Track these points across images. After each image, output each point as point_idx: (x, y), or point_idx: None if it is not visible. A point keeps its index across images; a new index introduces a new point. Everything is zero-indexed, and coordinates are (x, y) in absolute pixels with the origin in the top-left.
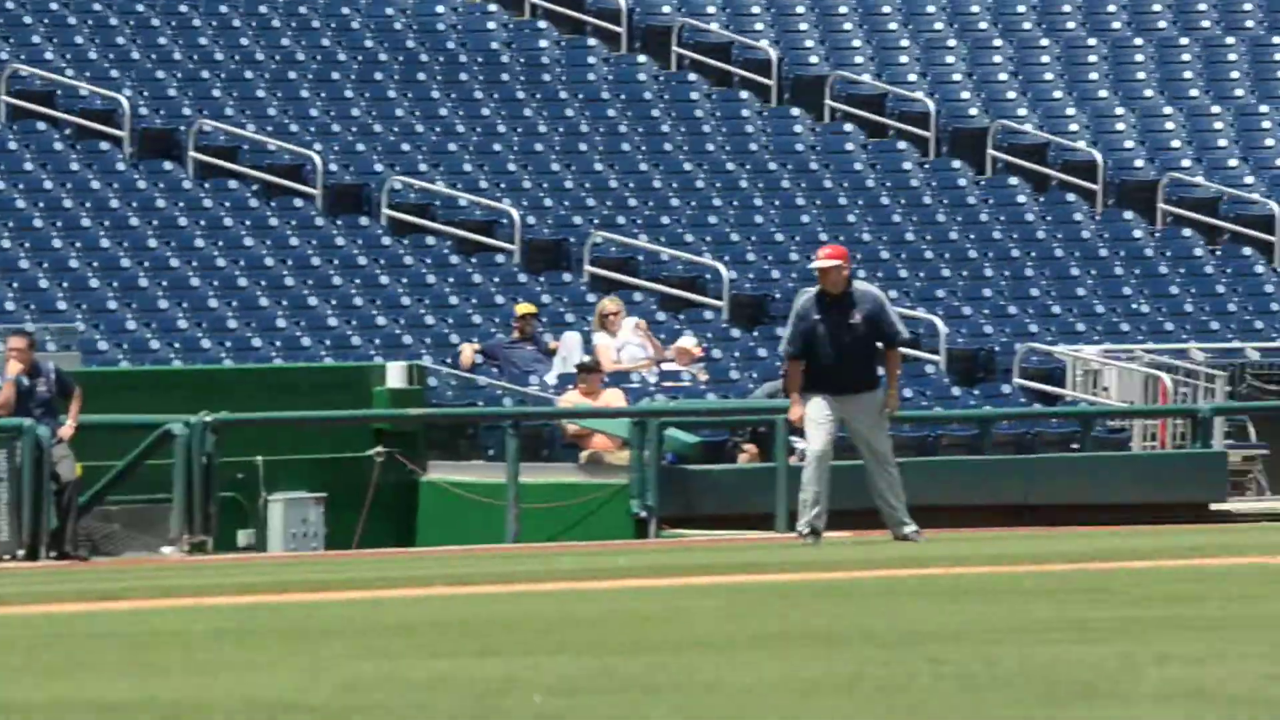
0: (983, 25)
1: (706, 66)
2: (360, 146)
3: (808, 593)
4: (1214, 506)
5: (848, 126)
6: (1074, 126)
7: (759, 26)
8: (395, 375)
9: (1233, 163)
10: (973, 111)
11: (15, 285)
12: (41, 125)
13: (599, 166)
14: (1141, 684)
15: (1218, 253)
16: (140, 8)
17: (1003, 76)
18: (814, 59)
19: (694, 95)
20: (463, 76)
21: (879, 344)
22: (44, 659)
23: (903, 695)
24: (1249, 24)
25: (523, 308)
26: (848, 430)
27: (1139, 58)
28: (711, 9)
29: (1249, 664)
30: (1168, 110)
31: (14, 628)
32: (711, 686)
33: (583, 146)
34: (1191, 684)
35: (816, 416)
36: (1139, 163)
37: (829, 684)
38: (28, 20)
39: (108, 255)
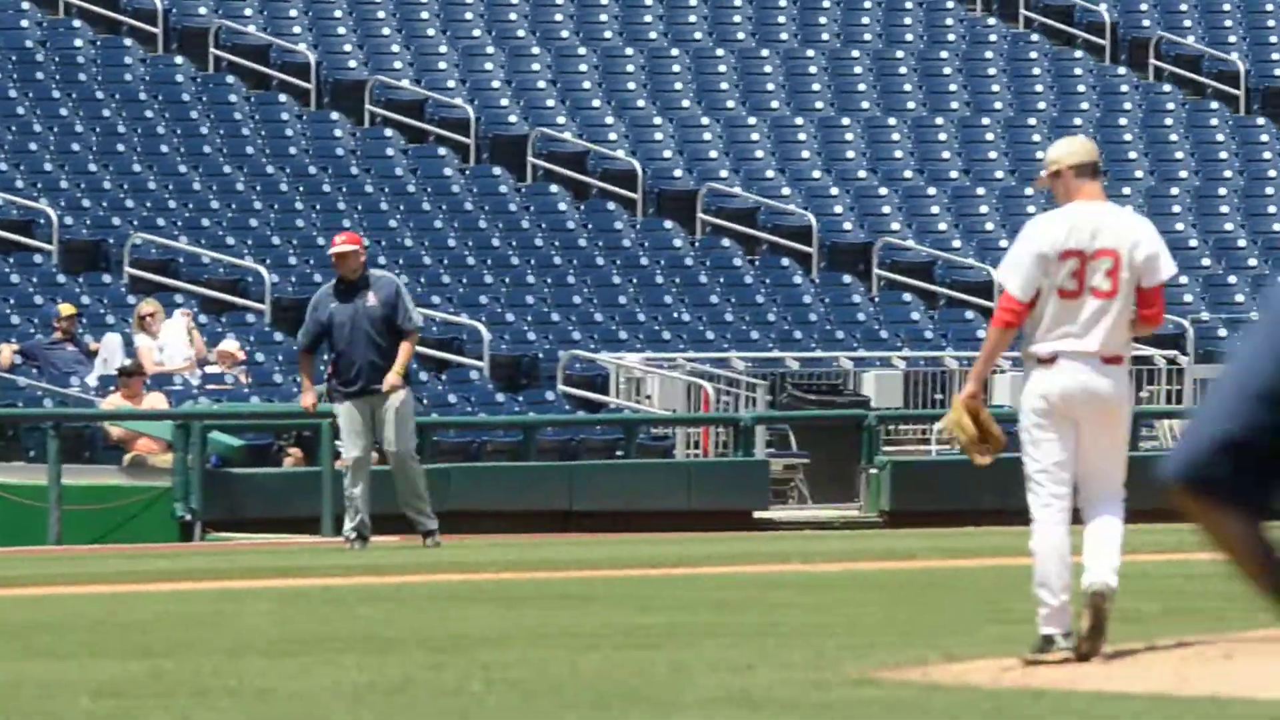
0: (520, 33)
1: (244, 69)
2: None
3: (356, 597)
4: (757, 514)
5: (388, 131)
6: (613, 136)
7: (297, 30)
8: None
9: (769, 174)
10: (512, 118)
11: None
12: None
13: (137, 167)
14: (690, 690)
15: (756, 263)
16: None
17: (541, 84)
18: (353, 63)
19: (232, 98)
20: None
21: (398, 335)
22: None
23: (454, 700)
24: (783, 36)
25: (65, 308)
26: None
27: (676, 68)
28: (249, 11)
29: (793, 671)
30: (705, 121)
31: None
32: (263, 692)
33: (120, 147)
34: (738, 690)
35: (349, 426)
36: (678, 172)
37: (381, 688)
38: None
39: None
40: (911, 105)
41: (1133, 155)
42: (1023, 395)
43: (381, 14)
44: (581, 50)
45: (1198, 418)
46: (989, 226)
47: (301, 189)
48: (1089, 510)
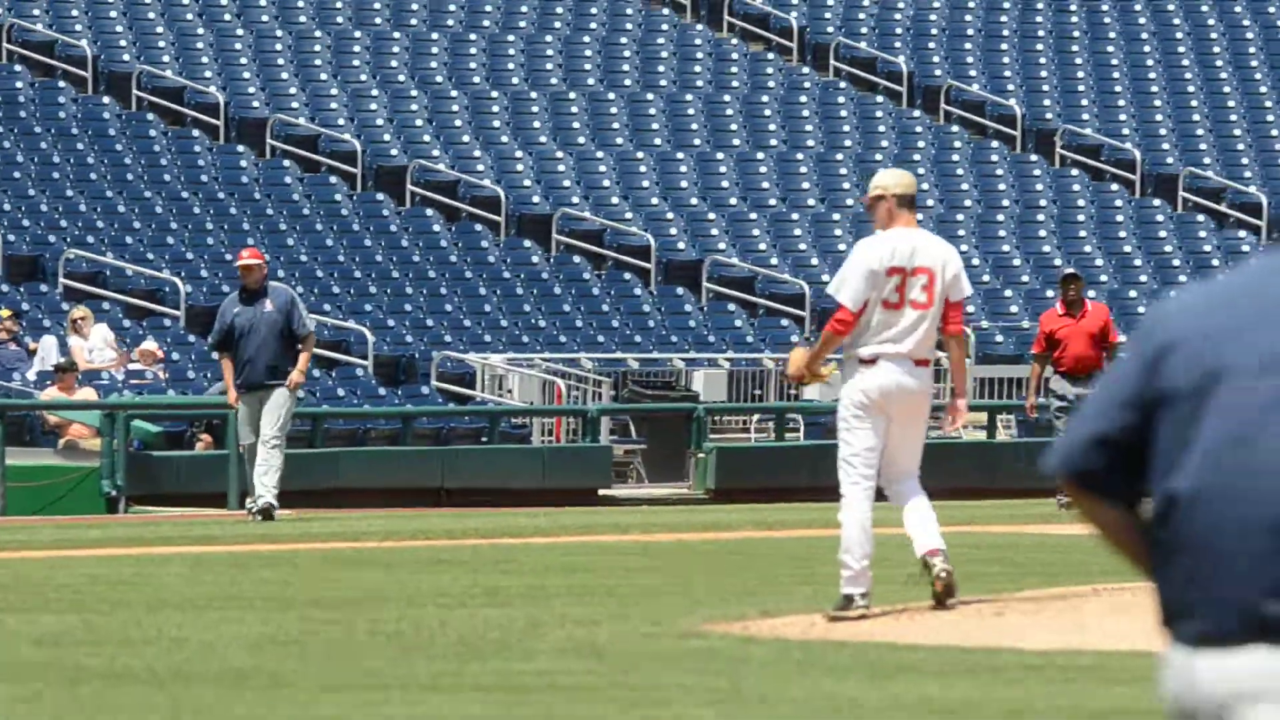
0: (401, 77)
1: (163, 108)
2: None
3: (258, 562)
4: (601, 492)
5: (286, 162)
6: (480, 167)
7: (208, 74)
8: None
9: (615, 200)
10: (393, 151)
11: None
12: None
13: (70, 192)
14: (543, 642)
15: (603, 277)
16: None
17: (419, 122)
18: (256, 103)
19: (152, 132)
20: None
21: (291, 339)
22: None
23: (342, 650)
24: (627, 82)
25: (6, 313)
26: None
27: (535, 109)
28: (167, 58)
29: (631, 624)
30: (560, 154)
31: None
32: (178, 641)
33: (56, 175)
34: (585, 641)
35: (245, 416)
36: (536, 199)
37: (279, 639)
38: None
39: None
40: (737, 142)
41: (925, 187)
42: (845, 389)
43: (281, 60)
44: (454, 93)
45: (1077, 419)
46: (802, 247)
47: (211, 211)
48: (895, 488)
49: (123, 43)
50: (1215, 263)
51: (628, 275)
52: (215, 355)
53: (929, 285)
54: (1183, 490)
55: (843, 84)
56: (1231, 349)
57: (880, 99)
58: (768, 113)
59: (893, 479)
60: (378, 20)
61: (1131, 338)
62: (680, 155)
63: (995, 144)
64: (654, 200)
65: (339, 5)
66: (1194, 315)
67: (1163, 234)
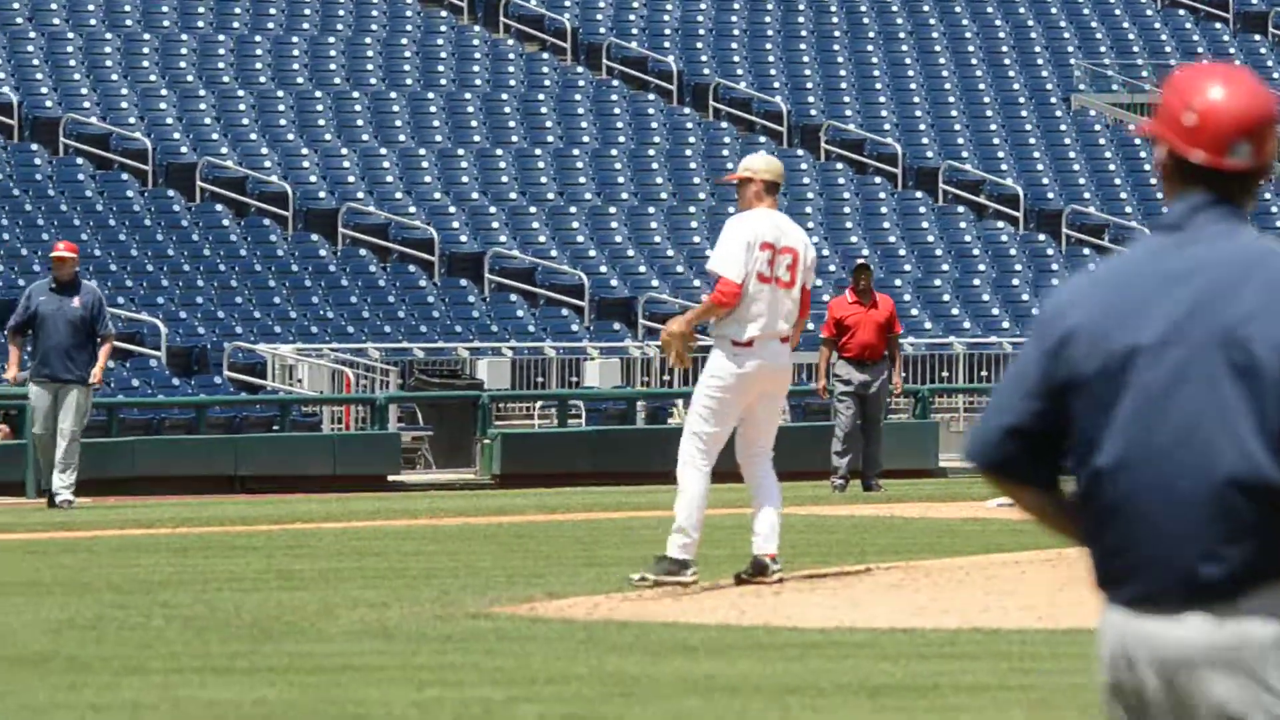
0: (190, 78)
1: None
2: None
3: (56, 548)
4: (390, 478)
5: (79, 160)
6: (268, 163)
7: (1, 75)
8: None
9: (399, 195)
10: (184, 149)
11: None
12: None
13: None
14: (335, 624)
15: (388, 269)
16: None
17: (208, 120)
18: (49, 103)
19: None
20: None
21: (91, 336)
22: None
23: (138, 633)
24: (408, 81)
25: None
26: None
27: (320, 107)
28: None
29: (422, 607)
30: (345, 151)
31: None
32: None
33: None
34: (375, 623)
35: (40, 405)
36: (322, 194)
37: (78, 623)
38: None
39: None
40: (515, 139)
41: (697, 181)
42: (713, 371)
43: (73, 61)
44: (240, 92)
45: (986, 413)
46: (580, 239)
47: (6, 209)
48: (753, 468)
49: None
50: (976, 252)
51: (412, 267)
52: (4, 335)
53: (793, 265)
54: (1106, 464)
55: (615, 82)
56: (1133, 328)
57: (652, 97)
58: (544, 110)
59: (751, 456)
60: (166, 23)
61: (1030, 330)
62: (461, 151)
63: (763, 139)
64: (436, 195)
65: (128, 8)
66: (1090, 302)
67: (925, 225)
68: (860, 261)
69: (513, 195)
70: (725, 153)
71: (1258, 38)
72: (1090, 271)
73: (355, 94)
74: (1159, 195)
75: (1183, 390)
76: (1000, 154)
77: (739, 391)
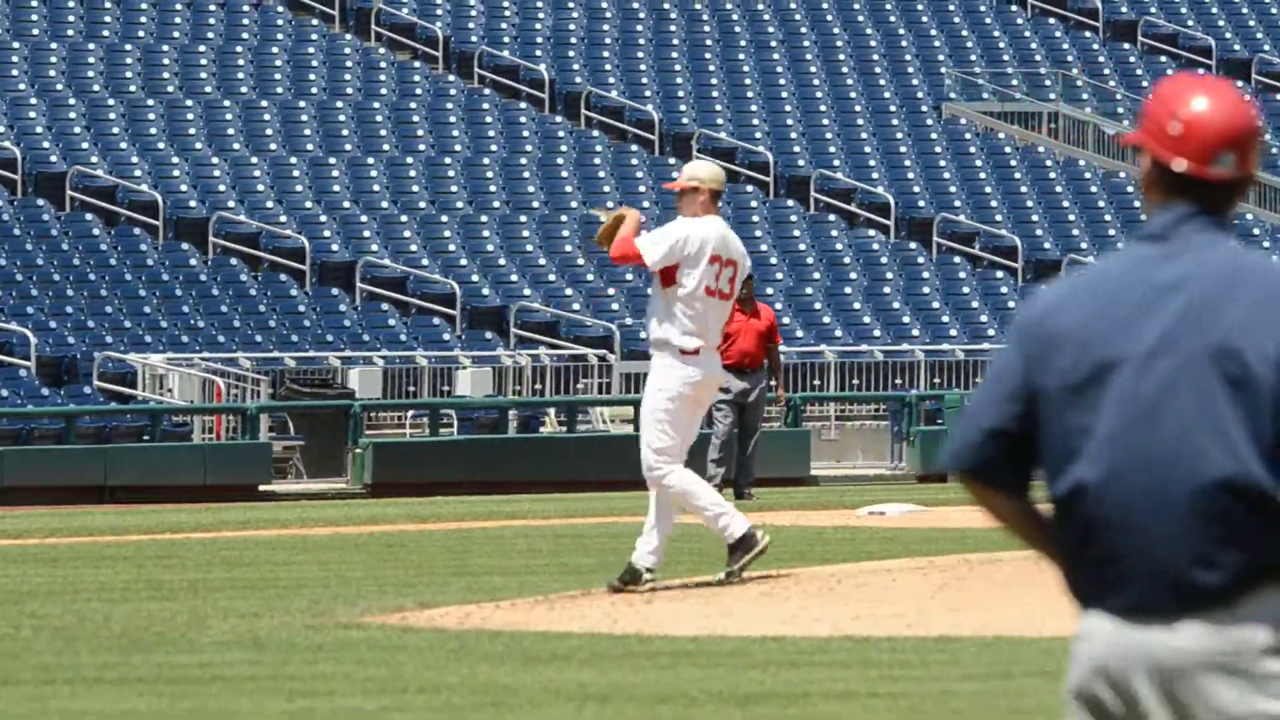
0: (59, 86)
1: None
2: None
3: None
4: (261, 487)
5: None
6: (138, 172)
7: None
8: None
9: (269, 204)
10: (53, 159)
11: None
12: None
13: None
14: (206, 634)
15: (259, 278)
16: None
17: (77, 129)
18: None
19: None
20: None
21: None
22: None
23: (6, 644)
24: (278, 90)
25: None
26: None
27: (190, 116)
28: None
29: (292, 617)
30: (215, 160)
31: None
32: None
33: None
34: (246, 633)
35: None
36: (193, 203)
37: None
38: None
39: None
40: (387, 147)
41: (569, 189)
42: (659, 384)
43: None
44: (110, 100)
45: (964, 418)
46: (452, 248)
47: None
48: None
49: None
50: (847, 260)
51: (284, 276)
52: None
53: (733, 278)
54: (1091, 476)
55: (487, 91)
56: (1120, 338)
57: (524, 105)
58: (416, 119)
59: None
60: (35, 30)
61: (1009, 334)
62: (332, 160)
63: (635, 148)
64: (308, 204)
65: None
66: (1075, 309)
67: (796, 233)
68: None
69: (384, 204)
70: (597, 161)
71: (1127, 46)
72: (1073, 277)
73: (226, 102)
74: (1029, 204)
75: (1174, 401)
76: (871, 162)
77: (689, 400)
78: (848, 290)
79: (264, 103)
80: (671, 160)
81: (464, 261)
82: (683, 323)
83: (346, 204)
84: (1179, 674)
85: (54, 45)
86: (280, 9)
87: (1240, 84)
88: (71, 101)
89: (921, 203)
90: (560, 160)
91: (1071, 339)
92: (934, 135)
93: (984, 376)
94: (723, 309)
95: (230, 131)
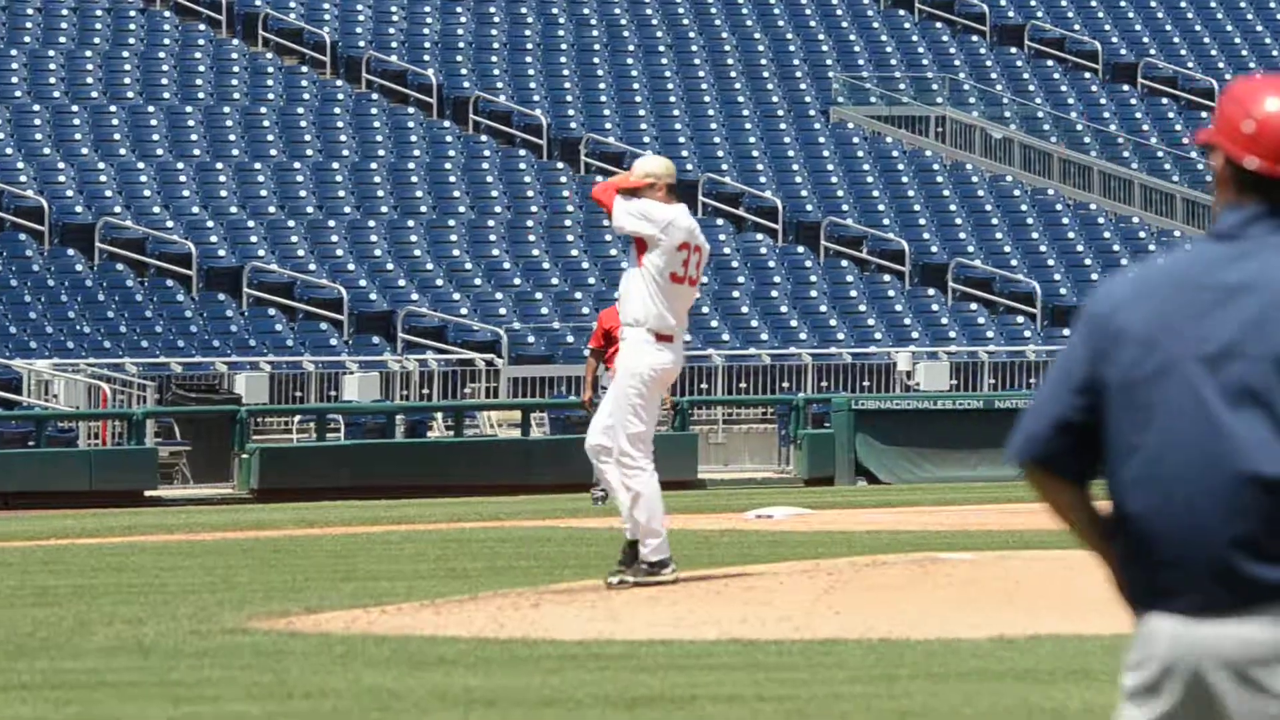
0: None
1: None
2: None
3: None
4: (148, 493)
5: None
6: (23, 178)
7: None
8: None
9: (156, 210)
10: None
11: None
12: None
13: None
14: (90, 640)
15: (146, 283)
16: None
17: None
18: None
19: None
20: None
21: None
22: None
23: None
24: (166, 95)
25: None
26: None
27: (77, 121)
28: None
29: (177, 622)
30: (102, 165)
31: None
32: None
33: None
34: (131, 639)
35: None
36: (79, 209)
37: None
38: None
39: None
40: (274, 153)
41: (456, 194)
42: (631, 368)
43: None
44: (35, 107)
45: (1030, 410)
46: (339, 253)
47: None
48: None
49: None
50: (735, 265)
51: (170, 282)
52: None
53: (699, 265)
54: (1152, 475)
55: (375, 96)
56: (1187, 338)
57: (412, 110)
58: (303, 124)
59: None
60: None
61: (1076, 326)
62: (219, 165)
63: (523, 153)
64: (194, 209)
65: None
66: (1142, 305)
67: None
68: None
69: (271, 209)
70: (485, 165)
71: (1014, 50)
72: (1141, 271)
73: (112, 107)
74: (916, 207)
75: (1238, 404)
76: (759, 166)
77: (658, 384)
78: (735, 294)
79: (151, 108)
80: (559, 165)
81: (351, 266)
82: (659, 305)
83: (233, 209)
84: (1254, 664)
85: None
86: (167, 14)
87: (1126, 88)
88: None
89: (809, 206)
90: (448, 165)
91: (1137, 336)
92: (822, 139)
93: (1050, 368)
94: (690, 295)
95: (116, 137)
